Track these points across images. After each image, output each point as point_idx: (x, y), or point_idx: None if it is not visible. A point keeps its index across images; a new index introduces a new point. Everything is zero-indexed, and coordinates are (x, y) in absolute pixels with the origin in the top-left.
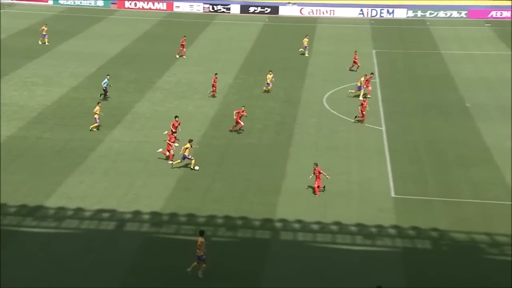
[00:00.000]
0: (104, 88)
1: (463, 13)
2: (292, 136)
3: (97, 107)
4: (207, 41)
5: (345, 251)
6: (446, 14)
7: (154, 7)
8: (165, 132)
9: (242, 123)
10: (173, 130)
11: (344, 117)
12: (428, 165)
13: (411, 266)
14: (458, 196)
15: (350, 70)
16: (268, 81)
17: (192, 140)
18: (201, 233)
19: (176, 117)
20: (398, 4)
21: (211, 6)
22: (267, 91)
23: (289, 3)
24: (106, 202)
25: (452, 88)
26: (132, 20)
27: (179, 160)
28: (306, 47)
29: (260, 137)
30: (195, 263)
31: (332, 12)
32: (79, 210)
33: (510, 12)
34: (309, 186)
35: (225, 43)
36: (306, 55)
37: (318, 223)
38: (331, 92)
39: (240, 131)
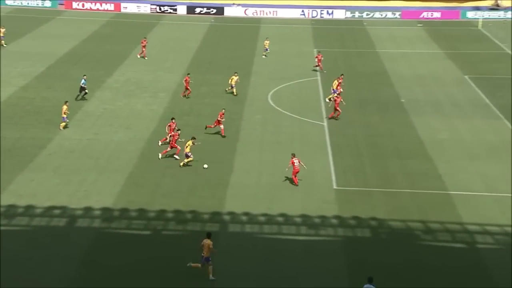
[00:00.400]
0: (81, 87)
1: (397, 14)
2: (239, 132)
3: (65, 106)
4: (155, 41)
5: (290, 241)
6: (381, 15)
7: (102, 8)
8: (160, 143)
9: (222, 126)
10: (170, 132)
11: (288, 113)
12: (367, 158)
13: (351, 253)
14: (395, 186)
15: (314, 70)
16: (233, 83)
17: (195, 138)
18: (209, 235)
19: (172, 119)
20: (337, 5)
21: (158, 7)
22: (233, 93)
23: (233, 4)
24: (57, 199)
25: (388, 85)
26: (80, 20)
27: (190, 159)
28: (267, 49)
29: (208, 133)
30: (199, 264)
31: (275, 12)
32: (29, 207)
33: (440, 13)
34: (287, 178)
35: (173, 43)
36: (263, 56)
37: (264, 215)
38: (275, 89)
39: (224, 135)
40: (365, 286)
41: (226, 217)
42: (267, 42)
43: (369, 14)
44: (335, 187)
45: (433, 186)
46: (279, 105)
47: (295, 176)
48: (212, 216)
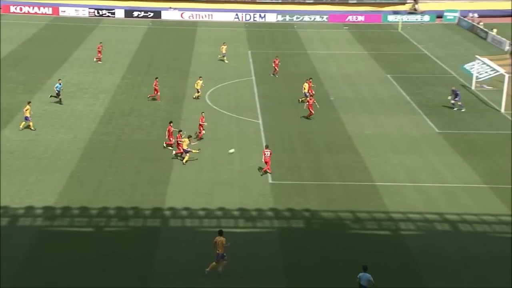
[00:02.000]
0: (57, 92)
1: (325, 17)
2: None
3: (28, 107)
4: (94, 43)
5: (229, 233)
6: (310, 18)
7: (40, 12)
8: (166, 146)
9: (203, 131)
10: (170, 136)
11: (225, 112)
12: (301, 153)
13: (287, 243)
14: (326, 179)
15: (273, 74)
16: (198, 87)
17: (190, 136)
18: (220, 233)
19: (170, 122)
20: (269, 9)
21: (96, 11)
22: (197, 98)
23: (170, 8)
24: None
25: (318, 84)
26: (18, 24)
27: (193, 153)
28: (224, 54)
29: (149, 132)
30: (214, 263)
31: (210, 16)
32: None
33: (363, 16)
34: (260, 168)
35: (112, 46)
36: (226, 61)
37: (204, 209)
38: (212, 89)
39: (201, 138)
40: (360, 274)
41: (167, 213)
42: (224, 46)
43: (299, 18)
44: (270, 181)
45: (361, 178)
46: (216, 104)
47: (267, 165)
48: (153, 212)
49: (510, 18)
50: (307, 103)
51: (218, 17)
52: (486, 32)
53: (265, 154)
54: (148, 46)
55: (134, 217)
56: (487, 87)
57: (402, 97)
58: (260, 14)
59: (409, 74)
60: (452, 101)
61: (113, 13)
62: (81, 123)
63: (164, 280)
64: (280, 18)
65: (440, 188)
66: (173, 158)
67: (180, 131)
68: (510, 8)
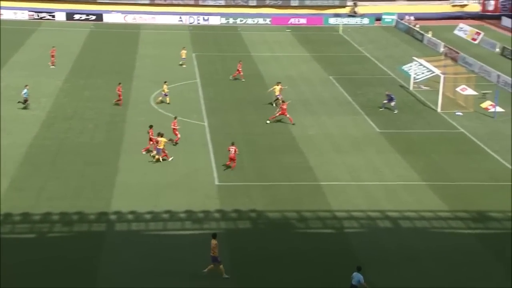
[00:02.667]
0: (24, 98)
1: (268, 20)
2: (123, 134)
3: None
4: (35, 46)
5: (176, 236)
6: (253, 21)
7: None
8: (143, 151)
9: (178, 135)
10: (153, 140)
11: (170, 115)
12: (246, 154)
13: (234, 244)
14: (272, 180)
15: (234, 79)
16: (165, 92)
17: (163, 135)
18: (214, 236)
19: (150, 126)
20: (212, 12)
21: (36, 14)
22: (163, 102)
23: (112, 11)
24: None
25: (262, 86)
26: None
27: (159, 156)
28: (184, 58)
29: (92, 136)
30: (211, 265)
31: (153, 19)
32: None
33: (305, 19)
34: (223, 164)
35: None
36: (184, 66)
37: (150, 212)
38: (157, 92)
39: (176, 143)
40: (353, 274)
41: (113, 217)
42: (184, 51)
43: (242, 20)
44: (217, 183)
45: (305, 178)
46: (162, 107)
47: (230, 161)
48: (98, 217)
49: (443, 20)
50: (280, 108)
51: (162, 19)
52: (422, 34)
53: (230, 150)
54: (90, 49)
55: (78, 222)
56: (424, 87)
57: (344, 98)
58: (203, 17)
59: (350, 75)
60: (392, 104)
61: (53, 16)
62: (22, 127)
63: (109, 284)
64: (223, 20)
65: (381, 186)
66: (150, 161)
67: (159, 133)
68: (444, 11)
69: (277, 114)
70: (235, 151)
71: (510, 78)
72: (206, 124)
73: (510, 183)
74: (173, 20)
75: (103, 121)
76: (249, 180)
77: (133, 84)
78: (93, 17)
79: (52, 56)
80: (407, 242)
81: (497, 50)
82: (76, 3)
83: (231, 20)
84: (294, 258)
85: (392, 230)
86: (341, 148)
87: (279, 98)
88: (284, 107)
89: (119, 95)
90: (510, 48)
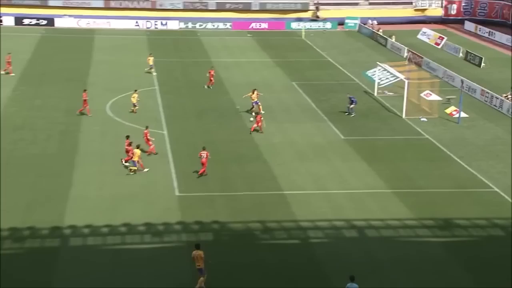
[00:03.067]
0: None
1: (228, 25)
2: (77, 145)
3: None
4: None
5: (135, 250)
6: (213, 25)
7: None
8: (123, 161)
9: (152, 145)
10: (131, 151)
11: (127, 123)
12: (208, 163)
13: None
14: (235, 190)
15: (208, 87)
16: (134, 101)
17: (139, 146)
18: (197, 246)
19: (127, 136)
20: (171, 16)
21: None
22: (133, 112)
23: (65, 15)
24: None
25: (224, 92)
26: None
27: (135, 167)
28: (152, 65)
29: (45, 147)
30: (201, 278)
31: (108, 23)
32: None
33: (267, 24)
34: (196, 171)
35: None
36: (154, 73)
37: (107, 226)
38: (113, 100)
39: (150, 153)
40: (348, 285)
41: (67, 231)
42: (151, 58)
43: (202, 25)
44: (177, 194)
45: (269, 187)
46: (118, 116)
47: (203, 166)
48: (52, 232)
49: (406, 25)
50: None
51: (117, 24)
52: (386, 39)
53: (201, 155)
54: (41, 56)
55: (30, 237)
56: (388, 93)
57: (308, 104)
58: (161, 22)
59: (314, 81)
60: (351, 106)
61: (1, 21)
62: None
63: None
64: (182, 25)
65: (347, 194)
66: (128, 174)
67: (130, 144)
68: (406, 15)
69: (258, 123)
70: (206, 155)
71: (474, 83)
72: (165, 133)
73: (476, 190)
74: (129, 25)
75: (56, 131)
76: (211, 190)
77: (88, 92)
78: (44, 22)
79: (8, 62)
80: (373, 252)
81: (461, 55)
82: (25, 7)
83: (190, 25)
84: (259, 270)
85: (358, 240)
86: (306, 156)
87: (258, 105)
88: (258, 119)
89: (84, 102)
90: (473, 52)
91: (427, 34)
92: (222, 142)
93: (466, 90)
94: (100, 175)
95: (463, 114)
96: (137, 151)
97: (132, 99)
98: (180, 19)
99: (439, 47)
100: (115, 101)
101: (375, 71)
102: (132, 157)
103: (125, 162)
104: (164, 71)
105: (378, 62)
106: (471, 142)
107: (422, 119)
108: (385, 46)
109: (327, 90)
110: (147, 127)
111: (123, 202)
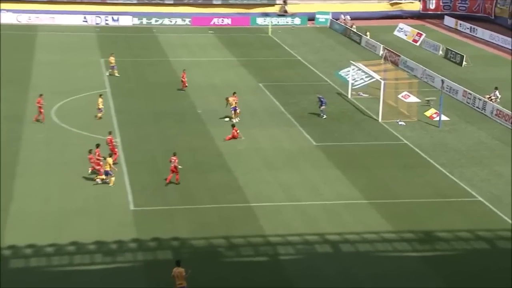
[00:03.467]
0: None
1: (187, 21)
2: (19, 154)
3: None
4: None
5: (84, 272)
6: (171, 21)
7: None
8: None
9: (117, 153)
10: (98, 158)
11: (75, 130)
12: (167, 174)
13: (153, 277)
14: (197, 202)
15: (180, 90)
16: (101, 106)
17: (111, 155)
18: (178, 263)
19: (97, 146)
20: (123, 11)
21: None
22: (98, 118)
23: (2, 10)
24: None
25: (183, 95)
26: None
27: (104, 177)
28: (114, 66)
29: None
30: None
31: (52, 19)
32: None
33: (230, 19)
34: (165, 179)
35: None
36: (117, 74)
37: (53, 245)
38: (59, 104)
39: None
40: None
41: (6, 252)
42: (113, 58)
43: (158, 21)
44: (132, 208)
45: (234, 199)
46: (64, 122)
47: (171, 174)
48: None
49: (382, 20)
50: (233, 128)
51: (63, 20)
52: (360, 36)
53: (171, 161)
54: None
55: None
56: (363, 94)
57: (276, 108)
58: (113, 17)
59: (282, 82)
60: (321, 108)
61: None
62: None
63: None
64: (136, 21)
65: (320, 206)
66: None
67: (110, 153)
68: (382, 9)
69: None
70: (175, 161)
71: (455, 84)
72: (118, 140)
73: (459, 199)
74: (76, 20)
75: None
76: (170, 203)
77: (30, 96)
78: None
79: None
80: (349, 268)
81: (440, 52)
82: None
83: (144, 21)
84: None
85: (332, 255)
86: (274, 164)
87: (237, 110)
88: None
89: (40, 109)
90: (454, 50)
91: (404, 30)
92: (182, 150)
93: (446, 91)
94: (45, 188)
95: (443, 117)
96: (109, 160)
97: (99, 104)
98: (133, 14)
99: (417, 44)
100: (61, 105)
101: (348, 71)
102: (99, 167)
103: (93, 172)
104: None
105: (351, 61)
106: (453, 148)
107: (400, 123)
108: (359, 43)
109: (297, 91)
110: (110, 133)
111: (71, 218)
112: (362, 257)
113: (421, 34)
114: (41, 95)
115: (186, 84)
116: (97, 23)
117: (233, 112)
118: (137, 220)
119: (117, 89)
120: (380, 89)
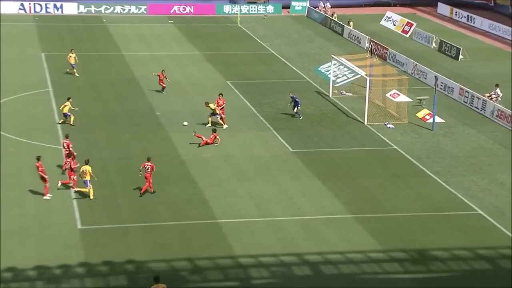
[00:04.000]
0: None
1: (143, 9)
2: None
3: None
4: None
5: None
6: (123, 9)
7: None
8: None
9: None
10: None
11: (13, 136)
12: (120, 187)
13: None
14: (155, 219)
15: (159, 91)
16: (66, 111)
17: (88, 162)
18: (157, 279)
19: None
20: None
21: None
22: (64, 123)
23: None
24: None
25: (139, 95)
26: None
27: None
28: (74, 64)
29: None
30: None
31: None
32: None
33: (192, 7)
34: (138, 188)
35: None
36: (76, 74)
37: None
38: None
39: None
40: None
41: None
42: (73, 55)
43: (108, 9)
44: (80, 226)
45: (199, 215)
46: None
47: (147, 182)
48: None
49: (367, 8)
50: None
51: None
52: (342, 26)
53: (145, 167)
54: None
55: None
56: (346, 93)
57: (247, 109)
58: (55, 4)
59: (254, 80)
60: (295, 110)
61: None
62: None
63: None
64: (83, 9)
65: (298, 222)
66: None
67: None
68: None
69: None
70: (151, 168)
71: (450, 80)
72: (62, 148)
73: (456, 213)
74: (11, 8)
75: None
76: (124, 220)
77: None
78: None
79: None
80: None
81: (434, 45)
82: None
83: (93, 9)
84: None
85: (312, 279)
86: (245, 175)
87: (217, 117)
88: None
89: None
90: (449, 42)
91: (393, 20)
92: (138, 158)
93: (441, 88)
94: None
95: (438, 119)
96: (88, 168)
97: (64, 107)
98: (79, 1)
99: (407, 35)
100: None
101: (329, 66)
102: (69, 182)
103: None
104: (59, 68)
105: (332, 55)
106: (449, 153)
107: (388, 126)
108: (341, 34)
109: (271, 90)
110: (67, 136)
111: (6, 240)
112: (347, 280)
113: (412, 24)
114: None
115: (164, 85)
116: (36, 12)
117: (219, 118)
118: (85, 241)
119: (61, 88)
120: (365, 87)
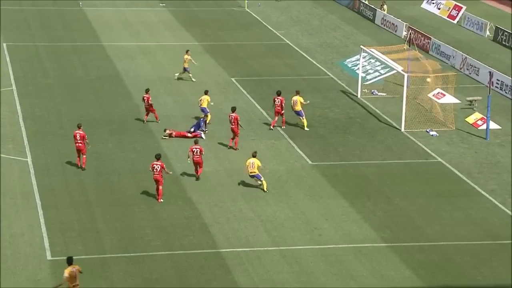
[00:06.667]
0: None
1: None
2: None
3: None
4: None
5: None
6: None
7: None
8: None
9: None
10: None
11: None
12: (99, 208)
13: None
14: (143, 248)
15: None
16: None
17: None
18: None
19: None
20: None
21: None
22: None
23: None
24: None
25: (124, 94)
26: None
27: None
28: (187, 68)
29: None
30: None
31: None
32: None
33: None
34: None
35: None
36: (193, 79)
37: None
38: None
39: None
40: None
41: None
42: (188, 57)
43: None
44: (49, 257)
45: (197, 243)
46: None
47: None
48: None
49: None
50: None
51: None
52: (374, 10)
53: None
54: None
55: None
56: (378, 93)
57: (256, 112)
58: None
59: (264, 77)
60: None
61: None
62: None
63: None
64: None
65: (319, 251)
66: None
67: None
68: None
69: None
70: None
71: (509, 78)
72: (29, 159)
73: None
74: None
75: None
76: (104, 249)
77: None
78: None
79: None
80: None
81: (488, 33)
82: None
83: None
84: None
85: None
86: (254, 193)
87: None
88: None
89: None
90: (507, 30)
91: (437, 2)
92: (122, 173)
93: (496, 87)
94: None
95: (493, 125)
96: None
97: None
98: None
99: (455, 21)
100: None
101: (358, 60)
102: None
103: None
104: (25, 62)
105: (362, 46)
106: (507, 168)
107: (431, 133)
108: (372, 21)
109: (285, 90)
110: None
111: None
112: None
113: (461, 7)
114: None
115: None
116: None
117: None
118: (57, 275)
119: (27, 86)
120: (402, 86)
